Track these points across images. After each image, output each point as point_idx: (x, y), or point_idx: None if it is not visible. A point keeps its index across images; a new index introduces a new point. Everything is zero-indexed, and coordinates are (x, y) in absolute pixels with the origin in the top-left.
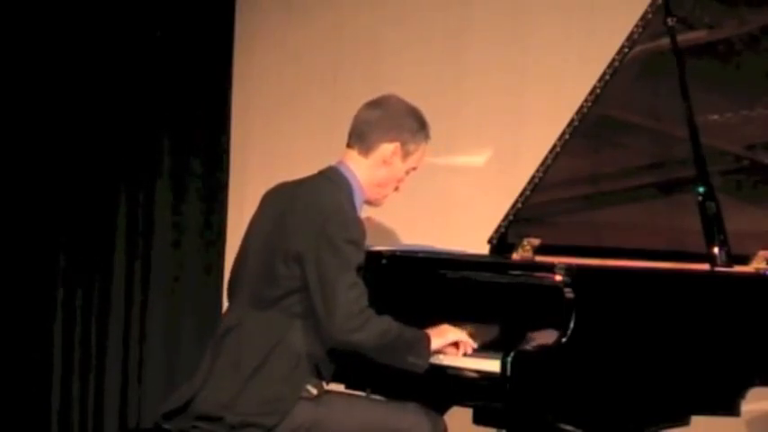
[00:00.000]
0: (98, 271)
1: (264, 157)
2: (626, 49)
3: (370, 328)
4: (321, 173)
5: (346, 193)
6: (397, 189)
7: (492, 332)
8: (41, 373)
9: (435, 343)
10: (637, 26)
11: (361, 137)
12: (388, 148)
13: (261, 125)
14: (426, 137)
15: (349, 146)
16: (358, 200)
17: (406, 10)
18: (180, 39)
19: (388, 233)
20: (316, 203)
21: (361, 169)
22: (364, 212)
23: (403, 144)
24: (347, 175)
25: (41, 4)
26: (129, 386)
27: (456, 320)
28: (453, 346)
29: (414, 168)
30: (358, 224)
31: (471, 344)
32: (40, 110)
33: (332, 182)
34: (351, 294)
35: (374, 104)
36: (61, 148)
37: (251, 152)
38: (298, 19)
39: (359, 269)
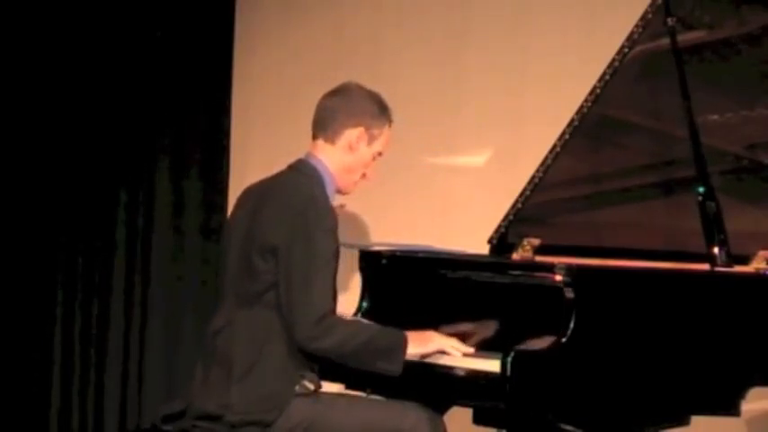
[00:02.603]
0: (98, 270)
1: (264, 157)
2: (626, 49)
3: (330, 337)
4: (291, 167)
5: (318, 183)
6: (365, 176)
7: (492, 332)
8: (41, 373)
9: (413, 348)
10: (637, 26)
11: (324, 125)
12: (352, 134)
13: (261, 125)
14: (389, 120)
15: (314, 137)
16: (330, 189)
17: (406, 10)
18: (180, 39)
19: (388, 233)
20: (289, 196)
21: (330, 158)
22: (363, 212)
23: (367, 128)
24: (317, 165)
25: (41, 4)
26: (128, 386)
27: (456, 320)
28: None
29: (380, 154)
30: (332, 213)
31: (459, 350)
32: (40, 110)
33: (303, 174)
34: (314, 300)
35: (333, 93)
36: (61, 148)
37: (251, 152)
38: (298, 19)
39: (333, 260)
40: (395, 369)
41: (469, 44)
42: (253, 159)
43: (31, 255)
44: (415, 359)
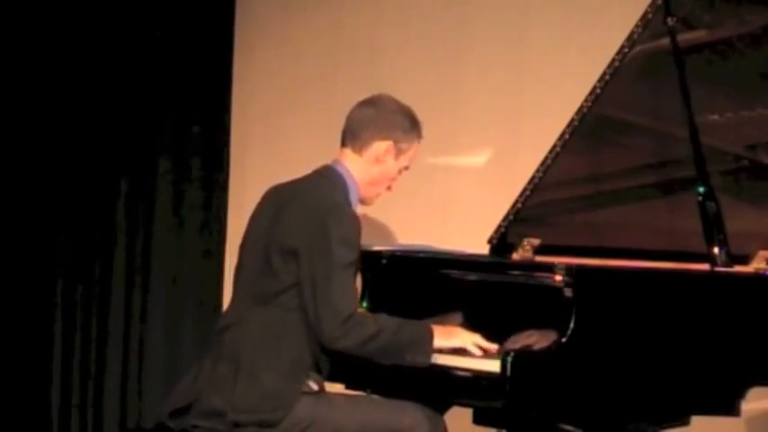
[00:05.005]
0: (98, 271)
1: (264, 157)
2: (626, 49)
3: (355, 335)
4: (317, 172)
5: (342, 190)
6: (389, 188)
7: (492, 332)
8: (41, 373)
9: (439, 342)
10: (637, 26)
11: (354, 135)
12: (381, 146)
13: (261, 125)
14: (418, 136)
15: (343, 145)
16: (354, 198)
17: (406, 10)
18: (180, 39)
19: (388, 233)
20: (313, 200)
21: (356, 167)
22: (364, 211)
23: (396, 142)
24: (343, 173)
25: (41, 4)
26: (128, 386)
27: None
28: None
29: (406, 167)
30: (354, 222)
31: (481, 349)
32: (41, 110)
33: (328, 180)
34: (337, 302)
35: (366, 103)
36: (62, 148)
37: (251, 152)
38: (297, 19)
39: (353, 265)
40: (424, 360)
41: (469, 44)
42: (253, 159)
43: (31, 253)
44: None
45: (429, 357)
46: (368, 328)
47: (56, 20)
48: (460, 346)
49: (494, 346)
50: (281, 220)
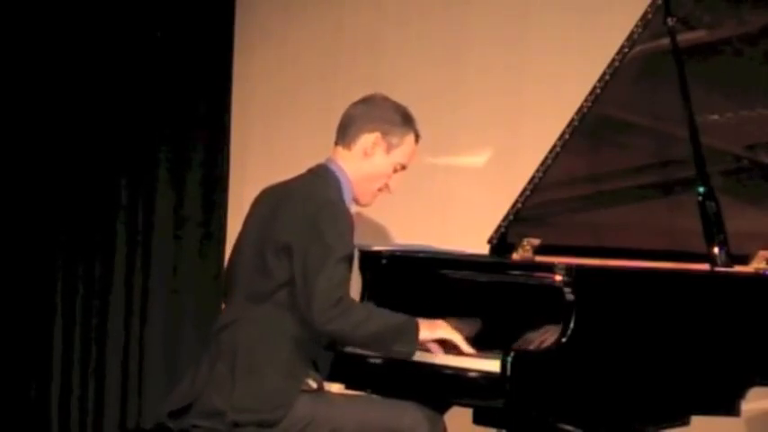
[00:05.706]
0: (98, 271)
1: (264, 157)
2: (626, 49)
3: (346, 319)
4: (310, 171)
5: (336, 188)
6: (387, 189)
7: (492, 332)
8: (41, 373)
9: (424, 334)
10: (637, 26)
11: (343, 131)
12: (368, 139)
13: (261, 125)
14: (411, 131)
15: (336, 143)
16: (347, 195)
17: (406, 10)
18: (180, 39)
19: (388, 233)
20: (307, 198)
21: (348, 164)
22: (364, 211)
23: (384, 135)
24: (335, 171)
25: (41, 4)
26: (129, 386)
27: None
28: (437, 343)
29: (402, 167)
30: (348, 218)
31: (462, 347)
32: (40, 109)
33: (321, 178)
34: (328, 285)
35: (359, 101)
36: (62, 148)
37: (251, 152)
38: (297, 19)
39: (347, 260)
40: (410, 351)
41: (469, 44)
42: (253, 159)
43: (31, 253)
44: (421, 348)
45: (414, 348)
46: (358, 314)
47: (56, 20)
48: (444, 337)
49: (472, 350)
50: (275, 219)
